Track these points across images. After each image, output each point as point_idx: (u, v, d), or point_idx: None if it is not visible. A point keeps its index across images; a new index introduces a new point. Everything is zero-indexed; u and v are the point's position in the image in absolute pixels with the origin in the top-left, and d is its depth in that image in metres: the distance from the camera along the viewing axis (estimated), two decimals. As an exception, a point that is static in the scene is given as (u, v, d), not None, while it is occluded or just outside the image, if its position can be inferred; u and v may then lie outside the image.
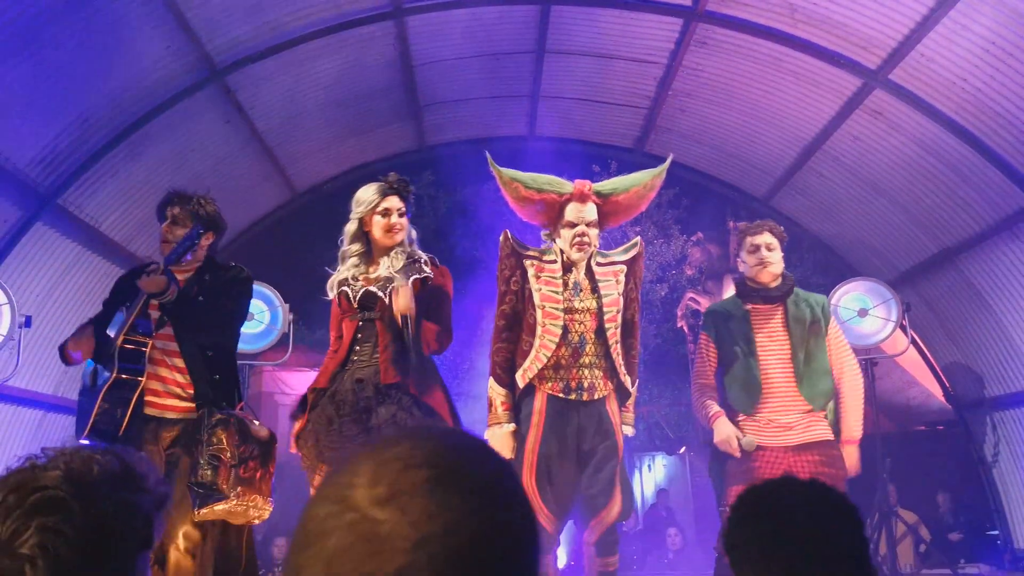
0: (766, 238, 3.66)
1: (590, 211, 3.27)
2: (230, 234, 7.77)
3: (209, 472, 3.07)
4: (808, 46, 5.91)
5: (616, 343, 3.24)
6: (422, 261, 3.15)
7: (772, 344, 3.63)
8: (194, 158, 6.49)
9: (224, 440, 3.13)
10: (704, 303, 9.22)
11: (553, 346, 3.20)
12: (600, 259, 3.34)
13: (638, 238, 3.47)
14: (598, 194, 3.30)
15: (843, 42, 5.73)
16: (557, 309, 3.24)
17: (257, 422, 3.35)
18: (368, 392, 3.01)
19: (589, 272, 3.31)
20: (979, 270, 6.34)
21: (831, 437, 3.53)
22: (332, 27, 6.03)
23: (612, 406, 3.25)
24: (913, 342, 7.10)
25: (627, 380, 3.28)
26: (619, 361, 3.24)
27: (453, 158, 8.25)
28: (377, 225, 3.19)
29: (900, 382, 8.31)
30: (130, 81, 5.42)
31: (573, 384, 3.19)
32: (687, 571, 6.59)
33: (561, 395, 3.19)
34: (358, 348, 3.13)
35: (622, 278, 3.29)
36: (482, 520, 0.66)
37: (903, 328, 6.57)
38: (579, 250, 3.26)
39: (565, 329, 3.22)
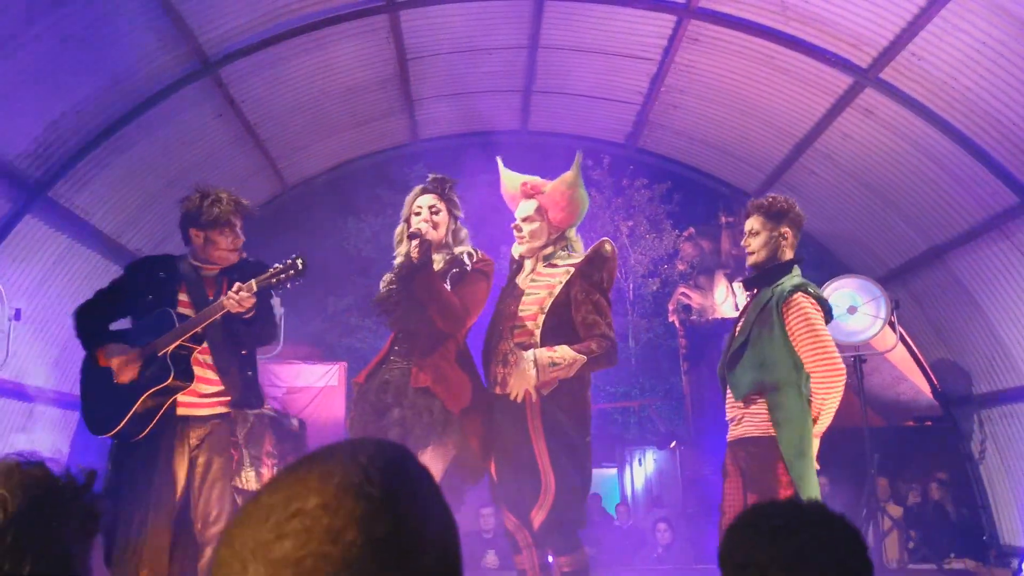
0: (750, 223, 3.45)
1: (527, 207, 3.36)
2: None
3: (252, 474, 3.17)
4: (800, 44, 5.93)
5: (533, 340, 3.16)
6: (464, 255, 3.24)
7: (739, 334, 3.44)
8: (185, 151, 6.47)
9: (266, 442, 3.24)
10: (695, 298, 9.26)
11: (483, 343, 3.36)
12: (557, 260, 3.33)
13: (604, 239, 3.35)
14: (540, 192, 3.38)
15: (834, 40, 5.75)
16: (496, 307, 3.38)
17: (288, 415, 3.44)
18: (389, 395, 3.09)
19: (535, 272, 3.35)
20: (968, 268, 6.38)
21: (756, 433, 3.22)
22: (325, 20, 6.02)
23: (531, 405, 3.12)
24: (902, 339, 7.16)
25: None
26: None
27: (446, 152, 8.25)
28: (415, 225, 3.25)
29: (889, 378, 8.36)
30: (121, 73, 5.39)
31: (491, 379, 3.29)
32: (676, 565, 6.62)
33: (490, 389, 3.29)
34: (396, 348, 3.21)
35: (564, 279, 3.23)
36: None
37: (892, 325, 6.62)
38: (517, 244, 3.38)
39: (491, 327, 3.37)
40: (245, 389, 3.29)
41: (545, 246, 3.33)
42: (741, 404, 3.30)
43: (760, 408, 3.23)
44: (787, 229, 3.38)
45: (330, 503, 0.68)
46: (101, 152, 5.72)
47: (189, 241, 3.36)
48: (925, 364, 7.58)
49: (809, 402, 3.19)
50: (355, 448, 0.76)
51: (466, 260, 3.24)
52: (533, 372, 3.02)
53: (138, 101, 5.68)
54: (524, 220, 3.34)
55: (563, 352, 3.07)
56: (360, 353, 9.95)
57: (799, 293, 3.24)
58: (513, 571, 3.45)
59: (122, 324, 3.39)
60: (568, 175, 3.32)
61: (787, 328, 3.23)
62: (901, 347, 7.28)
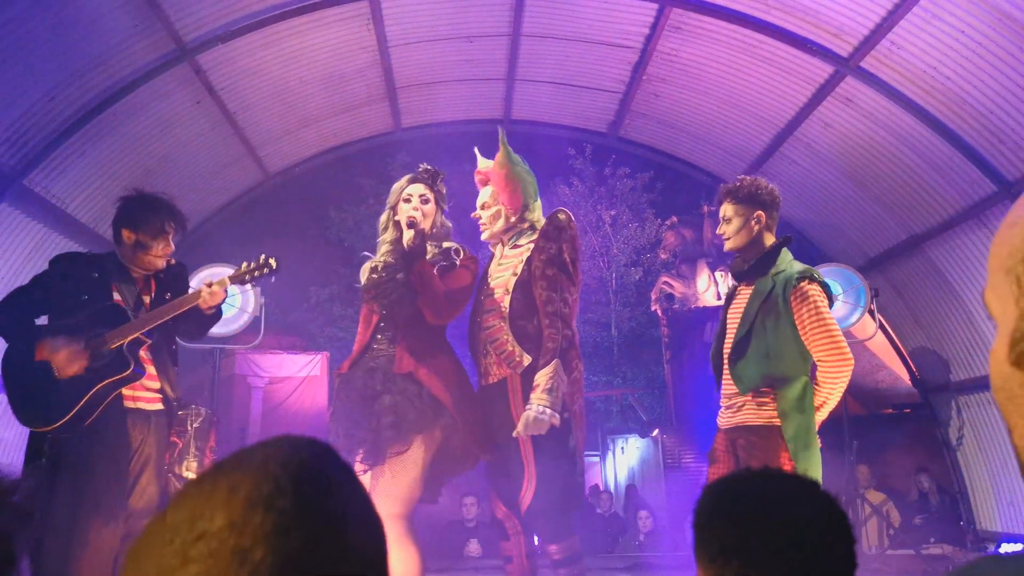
0: (723, 210, 3.33)
1: (484, 194, 3.37)
2: (201, 216, 7.72)
3: (195, 464, 3.20)
4: (781, 33, 5.94)
5: (503, 324, 3.16)
6: (452, 251, 3.23)
7: (733, 322, 3.35)
8: (163, 139, 6.40)
9: (211, 438, 3.27)
10: (678, 287, 9.29)
11: (467, 336, 3.35)
12: (521, 241, 3.31)
13: (558, 209, 3.28)
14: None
15: (815, 29, 5.77)
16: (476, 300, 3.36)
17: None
18: (377, 382, 3.07)
19: (502, 257, 3.35)
20: (946, 256, 6.44)
21: (758, 422, 3.14)
22: (306, 6, 5.96)
23: (513, 391, 3.11)
24: (881, 327, 7.23)
25: (522, 361, 3.10)
26: (508, 345, 3.14)
27: (428, 140, 8.21)
28: (401, 213, 3.24)
29: (868, 366, 8.44)
30: (97, 60, 5.32)
31: (477, 371, 3.29)
32: (658, 553, 6.66)
33: (479, 380, 3.30)
34: (379, 336, 3.19)
35: (525, 257, 3.22)
36: None
37: (871, 313, 6.68)
38: (481, 230, 3.38)
39: (471, 319, 3.35)
40: (178, 385, 3.35)
41: (507, 230, 3.33)
42: (744, 394, 3.21)
43: (765, 398, 3.16)
44: (760, 212, 3.26)
45: (237, 521, 0.65)
46: (77, 140, 5.65)
47: (119, 240, 3.34)
48: (904, 352, 7.65)
49: (815, 391, 3.13)
50: (267, 453, 0.71)
51: (453, 256, 3.23)
52: (545, 417, 2.95)
53: (115, 88, 5.61)
54: (482, 207, 3.36)
55: (540, 379, 3.01)
56: (343, 343, 9.91)
57: (806, 281, 3.13)
58: (496, 559, 3.45)
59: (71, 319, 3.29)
60: (498, 156, 3.31)
61: (796, 318, 3.12)
62: (880, 335, 7.35)
